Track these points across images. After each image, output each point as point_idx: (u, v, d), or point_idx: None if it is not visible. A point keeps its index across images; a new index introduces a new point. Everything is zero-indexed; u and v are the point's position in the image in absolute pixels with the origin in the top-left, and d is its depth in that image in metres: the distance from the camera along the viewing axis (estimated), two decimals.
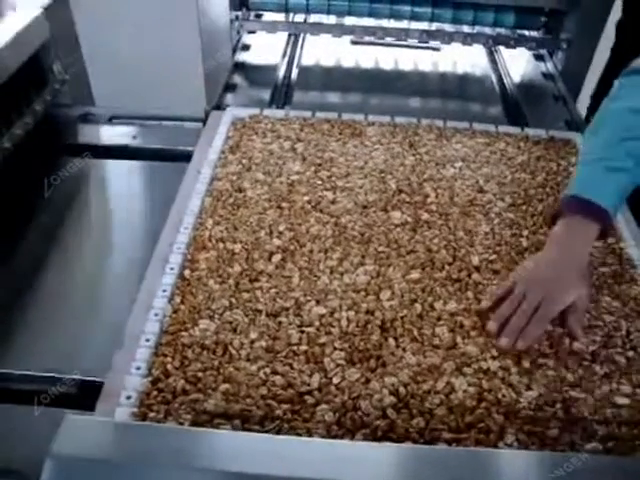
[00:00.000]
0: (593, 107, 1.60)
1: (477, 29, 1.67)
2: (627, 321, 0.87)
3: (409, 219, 1.01)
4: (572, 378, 0.78)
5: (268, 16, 1.73)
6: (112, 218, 1.20)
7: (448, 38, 1.63)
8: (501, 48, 1.73)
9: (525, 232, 1.01)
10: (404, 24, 1.65)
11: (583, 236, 0.89)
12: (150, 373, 0.76)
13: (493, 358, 0.80)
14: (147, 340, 0.80)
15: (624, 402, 0.76)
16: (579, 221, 0.88)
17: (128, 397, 0.73)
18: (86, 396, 0.76)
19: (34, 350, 0.89)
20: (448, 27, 1.68)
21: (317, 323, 0.83)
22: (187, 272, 0.90)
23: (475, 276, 0.92)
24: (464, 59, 1.71)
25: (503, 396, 0.75)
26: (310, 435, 0.70)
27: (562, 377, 0.79)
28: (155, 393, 0.74)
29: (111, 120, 1.39)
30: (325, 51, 1.69)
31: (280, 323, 0.83)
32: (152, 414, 0.71)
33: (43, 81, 1.25)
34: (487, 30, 1.67)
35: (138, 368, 0.76)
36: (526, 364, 0.80)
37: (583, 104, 1.62)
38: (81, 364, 0.85)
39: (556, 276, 0.86)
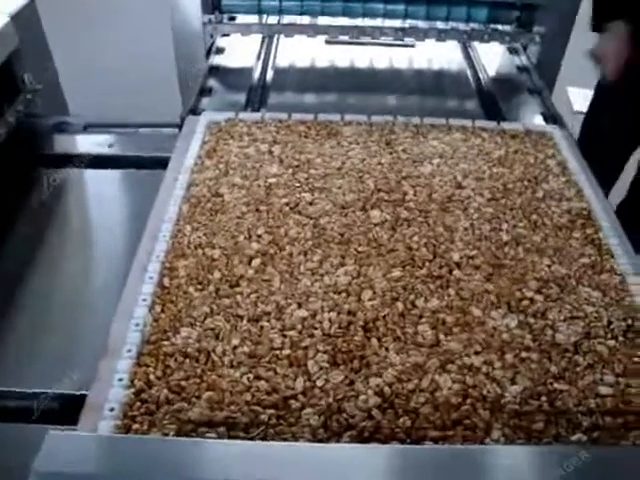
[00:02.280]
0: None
1: (451, 25, 1.66)
2: (607, 311, 0.87)
3: (388, 217, 1.01)
4: (556, 370, 0.79)
5: (241, 19, 1.72)
6: (91, 229, 1.19)
7: (422, 35, 1.64)
8: (475, 43, 1.74)
9: (505, 226, 1.01)
10: (378, 22, 1.65)
11: None
12: (133, 384, 0.75)
13: (476, 354, 0.80)
14: (129, 351, 0.79)
15: (608, 392, 0.76)
16: None
17: (111, 409, 0.72)
18: (71, 410, 0.75)
19: (16, 366, 0.88)
20: (422, 24, 1.67)
21: (299, 326, 0.82)
22: (166, 280, 0.89)
23: (456, 272, 0.92)
24: (439, 55, 1.71)
25: (488, 392, 0.76)
26: (296, 439, 0.70)
27: (546, 370, 0.79)
28: (138, 404, 0.73)
29: (86, 129, 1.37)
30: (300, 52, 1.68)
31: (262, 328, 0.82)
32: (136, 425, 0.71)
33: (14, 92, 1.23)
34: (461, 26, 1.67)
35: (121, 379, 0.76)
36: (510, 358, 0.80)
37: (558, 97, 1.63)
38: (65, 378, 0.84)
39: None
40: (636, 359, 0.80)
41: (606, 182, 1.73)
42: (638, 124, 1.65)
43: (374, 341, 0.81)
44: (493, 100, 1.51)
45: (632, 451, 0.71)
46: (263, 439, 0.70)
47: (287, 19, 1.71)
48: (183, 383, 0.75)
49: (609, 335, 0.84)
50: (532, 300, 0.88)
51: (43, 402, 0.81)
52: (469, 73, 1.65)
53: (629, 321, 0.85)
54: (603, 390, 0.77)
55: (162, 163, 1.16)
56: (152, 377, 0.76)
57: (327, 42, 1.71)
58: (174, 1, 1.48)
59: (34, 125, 1.33)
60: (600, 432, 0.72)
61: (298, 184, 1.08)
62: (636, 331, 0.84)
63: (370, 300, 0.86)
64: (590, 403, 0.75)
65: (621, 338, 0.83)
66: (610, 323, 0.85)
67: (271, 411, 0.72)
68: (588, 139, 1.69)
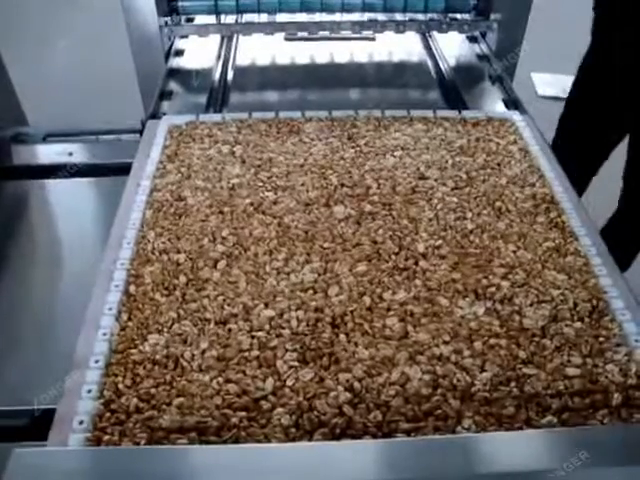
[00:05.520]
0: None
1: (409, 16, 1.67)
2: (573, 293, 0.88)
3: (352, 212, 1.01)
4: (524, 355, 0.79)
5: (199, 19, 1.71)
6: (55, 239, 1.17)
7: (381, 27, 1.64)
8: (435, 33, 1.74)
9: (469, 214, 1.02)
10: (336, 17, 1.65)
11: None
12: (102, 395, 0.74)
13: (445, 343, 0.80)
14: (96, 361, 0.78)
15: (575, 373, 0.77)
16: None
17: (81, 422, 0.71)
18: (43, 426, 0.74)
19: None
20: (380, 16, 1.68)
21: (267, 326, 0.82)
22: (132, 288, 0.88)
23: (422, 263, 0.92)
24: (399, 47, 1.71)
25: (458, 380, 0.76)
26: (268, 440, 0.70)
27: (514, 355, 0.79)
28: (108, 415, 0.72)
29: (45, 139, 1.35)
30: (259, 50, 1.68)
31: (230, 330, 0.82)
32: (107, 437, 0.70)
33: None
34: (419, 16, 1.67)
35: (89, 391, 0.75)
36: (478, 346, 0.80)
37: (522, 83, 1.64)
38: (35, 393, 0.83)
39: None
40: (601, 339, 0.81)
41: (585, 174, 1.75)
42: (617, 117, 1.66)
43: (342, 337, 0.81)
44: (455, 89, 1.52)
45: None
46: (235, 442, 0.69)
47: (245, 18, 1.71)
48: (153, 390, 0.75)
49: (575, 317, 0.85)
50: (499, 287, 0.89)
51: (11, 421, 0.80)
52: (430, 63, 1.66)
53: (594, 302, 0.86)
54: (571, 372, 0.77)
55: (124, 170, 1.15)
56: (121, 386, 0.75)
57: (286, 39, 1.70)
58: (128, 6, 1.46)
59: None
60: (569, 413, 0.73)
61: (261, 183, 1.07)
62: (600, 311, 0.85)
63: (337, 296, 0.86)
64: (559, 385, 0.76)
65: (587, 319, 0.84)
66: (576, 305, 0.86)
67: (242, 413, 0.72)
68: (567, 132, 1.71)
